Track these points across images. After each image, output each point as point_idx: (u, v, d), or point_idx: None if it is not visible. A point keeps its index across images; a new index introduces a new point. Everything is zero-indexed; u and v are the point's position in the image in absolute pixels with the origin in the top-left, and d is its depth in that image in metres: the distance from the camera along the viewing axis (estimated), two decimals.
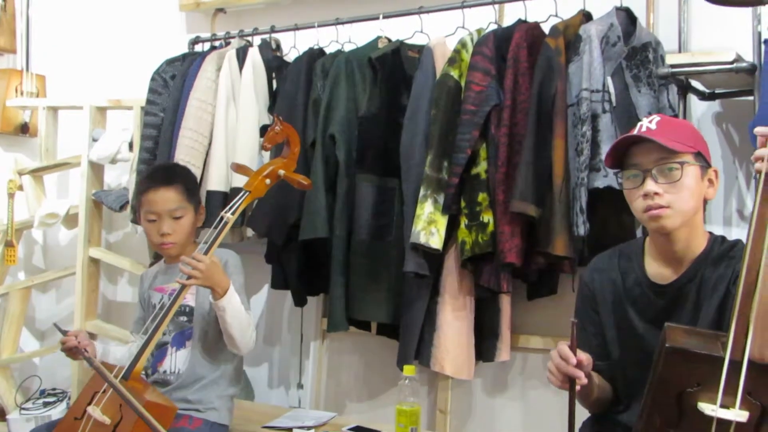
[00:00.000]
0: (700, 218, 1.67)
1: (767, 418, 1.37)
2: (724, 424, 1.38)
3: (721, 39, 2.55)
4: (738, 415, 1.37)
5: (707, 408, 1.39)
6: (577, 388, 1.58)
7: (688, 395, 1.43)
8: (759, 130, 1.46)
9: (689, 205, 1.58)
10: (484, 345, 2.71)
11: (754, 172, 1.51)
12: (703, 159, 1.62)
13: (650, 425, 1.48)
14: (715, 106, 2.66)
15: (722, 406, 1.38)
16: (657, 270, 1.69)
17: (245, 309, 2.21)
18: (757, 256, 1.40)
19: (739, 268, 1.42)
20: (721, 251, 1.63)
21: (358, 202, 2.76)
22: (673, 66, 2.38)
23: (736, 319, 1.40)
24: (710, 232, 1.70)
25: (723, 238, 1.68)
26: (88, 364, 2.08)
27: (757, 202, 1.42)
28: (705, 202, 1.67)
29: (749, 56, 2.38)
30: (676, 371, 1.44)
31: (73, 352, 2.13)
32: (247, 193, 2.19)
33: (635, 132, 1.62)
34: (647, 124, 1.62)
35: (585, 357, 1.57)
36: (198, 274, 2.02)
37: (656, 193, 1.57)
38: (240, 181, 2.92)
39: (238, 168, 2.30)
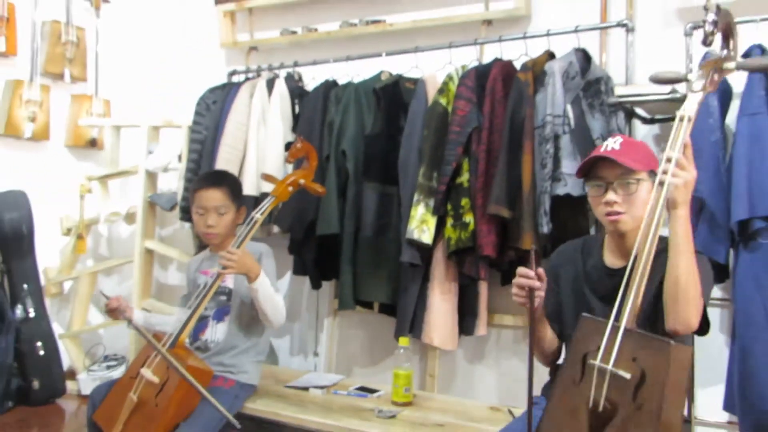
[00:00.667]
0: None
1: (645, 381, 1.37)
2: (602, 375, 1.40)
3: None
4: (620, 371, 1.39)
5: (594, 362, 1.42)
6: (537, 301, 1.59)
7: (589, 356, 1.45)
8: None
9: (640, 212, 1.60)
10: (466, 322, 2.71)
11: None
12: (654, 174, 1.61)
13: (561, 381, 1.51)
14: (655, 129, 2.66)
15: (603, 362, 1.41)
16: (611, 259, 1.70)
17: (275, 291, 2.21)
18: (643, 244, 1.45)
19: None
20: (661, 248, 1.63)
21: (364, 205, 2.76)
22: (620, 96, 2.39)
23: (622, 294, 1.45)
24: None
25: (663, 237, 1.68)
26: (134, 328, 2.11)
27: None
28: None
29: (682, 89, 2.38)
30: (584, 335, 1.48)
31: (114, 313, 2.14)
32: (273, 198, 2.20)
33: (602, 150, 1.63)
34: (612, 144, 1.62)
35: (540, 270, 1.59)
36: (233, 264, 2.03)
37: (615, 202, 1.59)
38: (268, 187, 2.94)
39: (267, 177, 2.31)
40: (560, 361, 1.80)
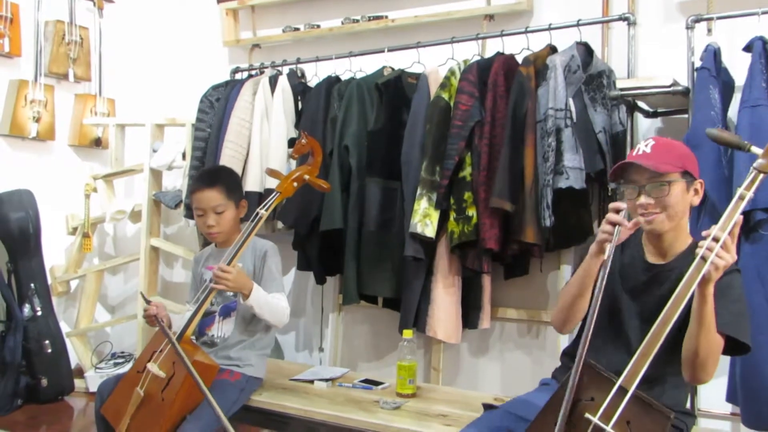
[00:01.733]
0: (686, 222, 1.68)
1: None
2: None
3: (662, 67, 2.56)
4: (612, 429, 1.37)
5: (591, 417, 1.40)
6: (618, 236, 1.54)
7: (581, 405, 1.44)
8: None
9: (675, 212, 1.61)
10: (469, 315, 2.73)
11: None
12: (689, 175, 1.62)
13: (543, 421, 1.49)
14: (657, 122, 2.68)
15: (601, 421, 1.39)
16: (649, 255, 1.70)
17: (279, 290, 2.22)
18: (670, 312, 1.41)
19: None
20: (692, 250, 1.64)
21: (367, 200, 2.78)
22: (622, 89, 2.39)
23: (637, 356, 1.41)
24: (693, 237, 1.70)
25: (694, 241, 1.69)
26: (163, 332, 2.07)
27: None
28: (690, 207, 1.67)
29: (684, 81, 2.40)
30: (581, 382, 1.45)
31: (151, 320, 2.12)
32: (278, 194, 2.19)
33: (634, 154, 1.63)
34: (643, 147, 1.62)
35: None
36: (227, 283, 2.04)
37: (649, 204, 1.59)
38: (272, 183, 2.96)
39: (271, 172, 2.30)
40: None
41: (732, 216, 1.41)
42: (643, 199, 1.59)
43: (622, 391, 1.39)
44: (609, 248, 1.54)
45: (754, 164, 1.46)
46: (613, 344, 1.67)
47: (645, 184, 1.59)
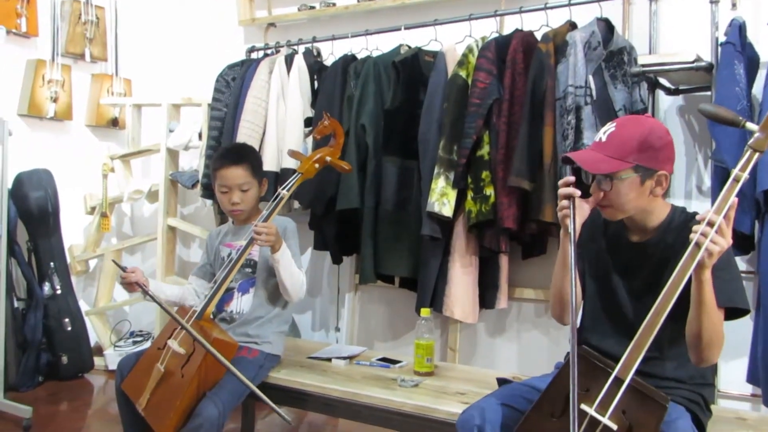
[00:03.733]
0: (652, 203, 1.60)
1: None
2: (592, 423, 1.38)
3: (685, 43, 2.52)
4: (609, 422, 1.37)
5: (587, 409, 1.38)
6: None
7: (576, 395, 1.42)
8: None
9: (625, 205, 1.56)
10: (487, 295, 2.72)
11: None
12: (642, 168, 1.54)
13: (539, 410, 1.48)
14: (678, 100, 2.64)
15: (597, 412, 1.38)
16: (630, 233, 1.69)
17: (298, 266, 2.23)
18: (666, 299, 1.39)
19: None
20: (681, 221, 1.61)
21: (384, 179, 2.77)
22: (643, 65, 2.35)
23: (631, 346, 1.39)
24: (672, 204, 1.67)
25: (683, 209, 1.66)
26: (150, 298, 2.09)
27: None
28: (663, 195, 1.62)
29: (708, 57, 2.35)
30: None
31: (132, 286, 2.12)
32: (300, 175, 2.19)
33: (596, 139, 1.59)
34: (602, 135, 1.57)
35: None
36: (271, 238, 2.07)
37: (600, 195, 1.56)
38: (288, 163, 2.96)
39: (293, 154, 2.29)
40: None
41: (727, 198, 1.35)
42: (594, 189, 1.56)
43: (618, 381, 1.38)
44: (570, 223, 1.52)
45: (749, 142, 1.38)
46: (612, 324, 1.65)
47: (598, 175, 1.55)
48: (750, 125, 1.39)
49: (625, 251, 1.67)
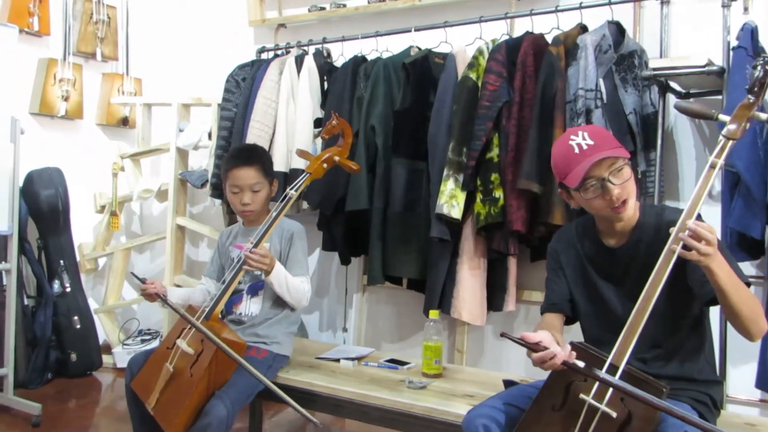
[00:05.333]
0: None
1: (631, 423, 1.38)
2: (591, 412, 1.40)
3: (696, 46, 2.51)
4: (608, 409, 1.39)
5: (585, 397, 1.41)
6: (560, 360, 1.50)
7: (575, 386, 1.45)
8: None
9: (635, 192, 1.60)
10: (495, 297, 2.72)
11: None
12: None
13: (540, 404, 1.49)
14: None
15: (596, 400, 1.41)
16: (607, 240, 1.69)
17: (302, 272, 2.24)
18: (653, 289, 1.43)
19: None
20: (656, 219, 1.62)
21: (393, 180, 2.78)
22: (654, 69, 2.34)
23: (624, 333, 1.43)
24: (637, 202, 1.68)
25: (650, 205, 1.68)
26: (169, 307, 2.12)
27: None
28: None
29: (719, 61, 2.35)
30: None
31: (152, 297, 2.16)
32: (308, 175, 2.19)
33: (578, 152, 1.56)
34: (583, 141, 1.57)
35: (541, 336, 1.51)
36: (265, 262, 2.08)
37: (620, 194, 1.56)
38: (297, 163, 2.97)
39: (302, 153, 2.30)
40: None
41: (705, 186, 1.42)
42: (616, 191, 1.55)
43: (613, 368, 1.41)
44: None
45: (723, 131, 1.46)
46: (610, 331, 1.62)
47: (606, 175, 1.55)
48: (722, 116, 1.49)
49: (607, 258, 1.68)
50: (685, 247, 1.39)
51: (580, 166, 1.55)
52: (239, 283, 2.21)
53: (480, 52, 2.67)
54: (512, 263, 2.69)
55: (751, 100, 1.47)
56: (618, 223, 1.64)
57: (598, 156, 1.54)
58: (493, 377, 2.21)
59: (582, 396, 1.42)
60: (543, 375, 1.56)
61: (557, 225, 2.40)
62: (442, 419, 1.89)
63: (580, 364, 1.45)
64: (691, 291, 1.56)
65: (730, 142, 1.45)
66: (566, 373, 1.46)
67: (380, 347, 3.22)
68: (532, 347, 1.46)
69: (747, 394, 2.43)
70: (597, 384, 1.41)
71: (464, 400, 1.93)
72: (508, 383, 1.83)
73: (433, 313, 2.23)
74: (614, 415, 1.38)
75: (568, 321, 1.81)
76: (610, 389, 1.40)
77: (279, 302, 2.27)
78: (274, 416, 3.01)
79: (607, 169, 1.56)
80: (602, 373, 1.42)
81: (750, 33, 2.24)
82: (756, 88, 1.47)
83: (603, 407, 1.39)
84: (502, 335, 1.52)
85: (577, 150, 1.57)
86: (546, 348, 1.44)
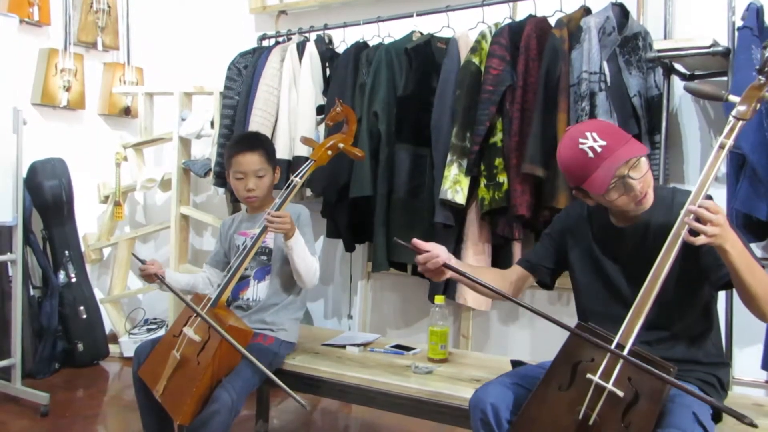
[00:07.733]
0: None
1: (638, 403, 1.37)
2: (598, 391, 1.40)
3: (701, 28, 2.50)
4: (615, 388, 1.38)
5: (592, 377, 1.41)
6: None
7: (582, 366, 1.45)
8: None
9: (653, 180, 1.59)
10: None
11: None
12: None
13: (547, 384, 1.49)
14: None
15: (602, 379, 1.40)
16: (617, 221, 1.68)
17: (312, 253, 2.24)
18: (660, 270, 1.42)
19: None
20: (667, 201, 1.61)
21: (397, 166, 2.77)
22: (659, 51, 2.33)
23: (631, 313, 1.42)
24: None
25: (661, 186, 1.68)
26: (167, 288, 2.15)
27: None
28: None
29: (724, 42, 2.33)
30: (580, 344, 1.47)
31: (150, 278, 2.17)
32: (312, 162, 2.19)
33: (593, 156, 1.52)
34: (593, 143, 1.53)
35: (431, 245, 1.69)
36: (286, 226, 2.08)
37: (641, 189, 1.55)
38: (300, 150, 2.96)
39: (306, 140, 2.29)
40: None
41: (714, 165, 1.41)
42: (639, 186, 1.54)
43: (621, 348, 1.40)
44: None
45: (732, 112, 1.45)
46: (615, 309, 1.63)
47: (627, 172, 1.53)
48: (732, 97, 1.47)
49: (614, 237, 1.67)
50: (694, 233, 1.38)
51: (601, 170, 1.51)
52: (246, 269, 2.21)
53: (483, 36, 2.66)
54: (517, 248, 2.69)
55: (761, 81, 1.46)
56: (629, 211, 1.62)
57: (617, 160, 1.51)
58: (499, 361, 2.22)
59: (589, 375, 1.42)
60: (549, 357, 1.56)
61: (561, 209, 2.39)
62: (448, 403, 1.90)
63: (461, 268, 1.65)
64: (701, 277, 1.55)
65: (740, 123, 1.43)
66: (574, 350, 1.46)
67: (386, 334, 3.23)
68: (419, 250, 1.61)
69: (753, 376, 2.43)
70: (604, 363, 1.41)
71: (470, 384, 1.93)
72: (516, 363, 1.83)
73: (439, 298, 2.23)
74: (621, 394, 1.38)
75: (543, 286, 1.88)
76: (617, 369, 1.40)
77: (286, 287, 2.28)
78: (281, 403, 3.03)
79: (625, 166, 1.53)
80: (610, 347, 1.42)
81: (755, 13, 2.22)
82: (767, 69, 1.46)
83: (610, 386, 1.39)
84: (395, 241, 1.71)
85: (591, 154, 1.53)
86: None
